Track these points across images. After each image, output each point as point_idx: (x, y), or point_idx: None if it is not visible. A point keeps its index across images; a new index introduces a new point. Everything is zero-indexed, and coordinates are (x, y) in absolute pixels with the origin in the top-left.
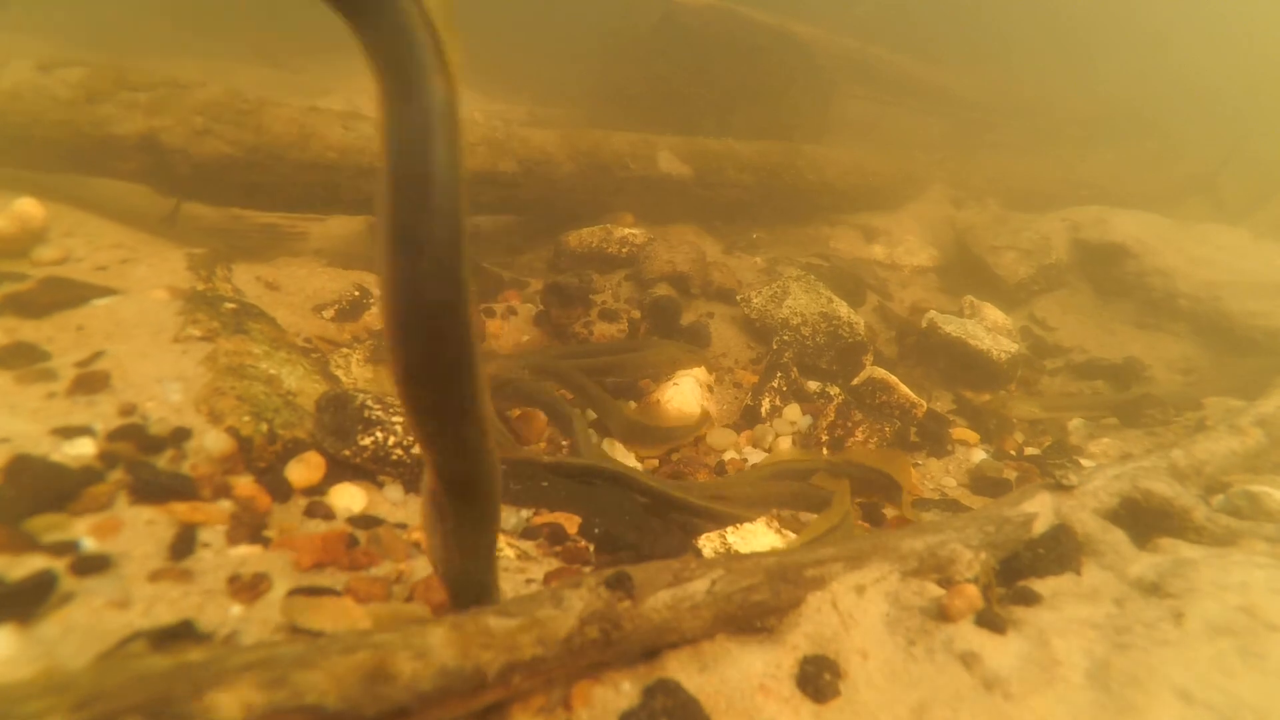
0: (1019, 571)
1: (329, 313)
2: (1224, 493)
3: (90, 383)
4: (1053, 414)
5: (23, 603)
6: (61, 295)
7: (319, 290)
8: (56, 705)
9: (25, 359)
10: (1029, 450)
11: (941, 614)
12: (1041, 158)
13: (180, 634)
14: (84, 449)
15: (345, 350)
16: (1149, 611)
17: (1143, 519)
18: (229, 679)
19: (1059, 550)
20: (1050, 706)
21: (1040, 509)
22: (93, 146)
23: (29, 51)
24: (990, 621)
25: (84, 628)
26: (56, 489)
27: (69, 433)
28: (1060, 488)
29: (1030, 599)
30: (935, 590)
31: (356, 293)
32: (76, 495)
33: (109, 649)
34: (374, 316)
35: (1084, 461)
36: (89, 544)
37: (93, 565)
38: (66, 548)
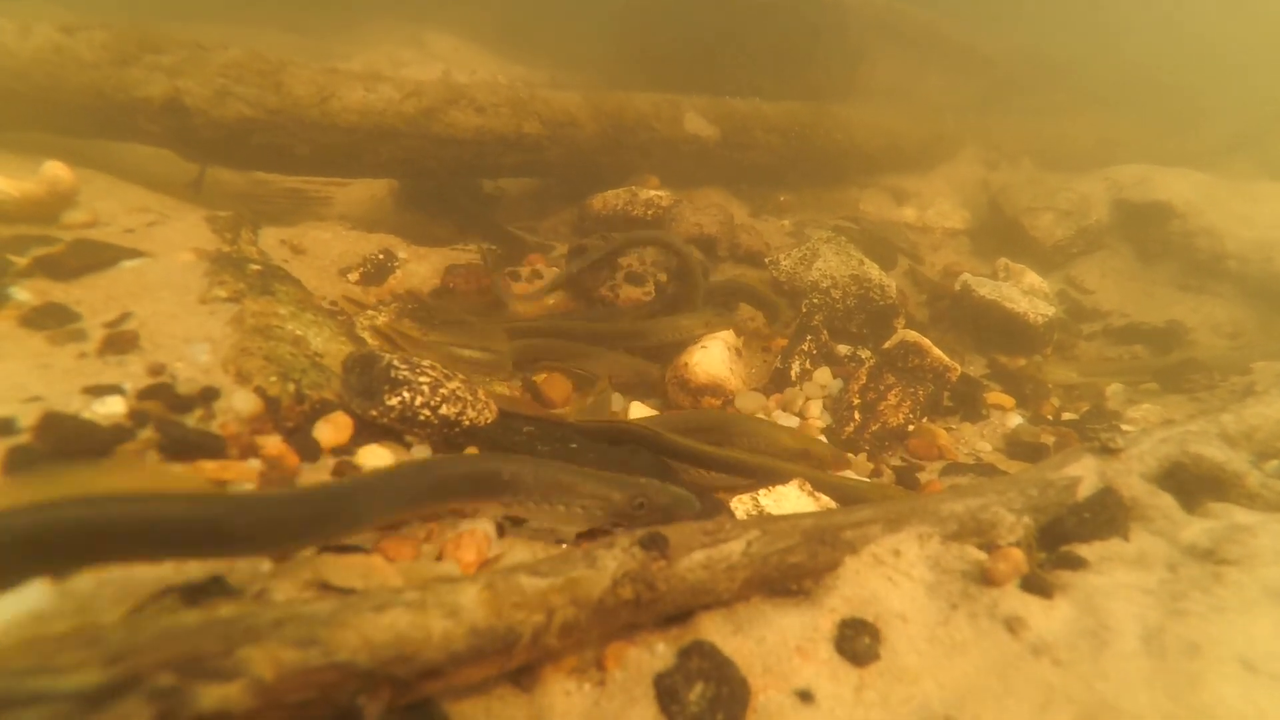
0: (1063, 536)
1: (354, 275)
2: (1278, 458)
3: (119, 343)
4: (1090, 379)
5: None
6: (90, 258)
7: (344, 253)
8: (89, 659)
9: (56, 320)
10: (1066, 415)
11: (985, 578)
12: (1075, 118)
13: (211, 590)
14: (114, 407)
15: (371, 312)
16: (1205, 578)
17: (1191, 484)
18: (260, 636)
19: (1105, 514)
20: (1103, 674)
21: (1084, 472)
22: (118, 109)
23: (52, 16)
24: (1037, 586)
25: (117, 582)
26: (88, 446)
27: (99, 391)
28: (1106, 451)
29: (1076, 564)
30: (977, 554)
31: (381, 256)
32: (108, 452)
33: (141, 604)
34: (398, 280)
35: (1124, 427)
36: None
37: None
38: None
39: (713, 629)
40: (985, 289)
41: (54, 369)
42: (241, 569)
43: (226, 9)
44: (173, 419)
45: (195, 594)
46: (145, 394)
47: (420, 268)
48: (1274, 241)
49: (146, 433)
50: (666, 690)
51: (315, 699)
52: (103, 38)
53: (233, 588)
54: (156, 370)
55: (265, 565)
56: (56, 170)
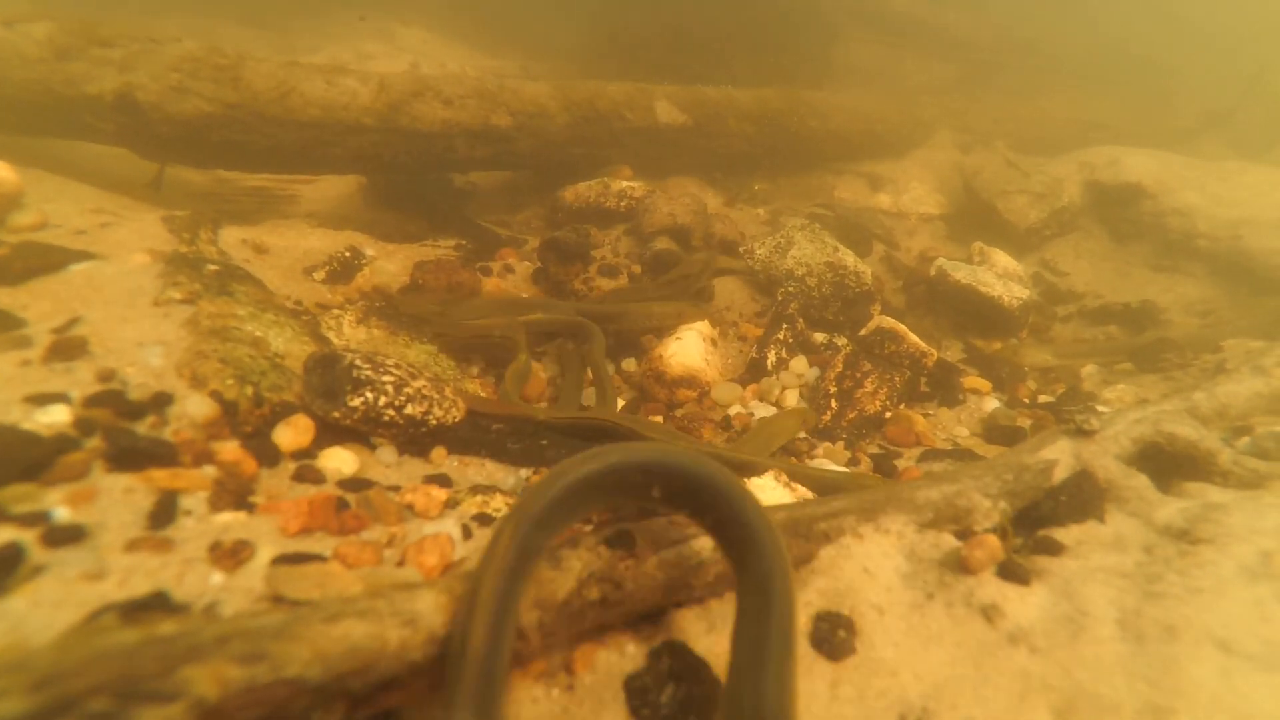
0: (1039, 520)
1: (320, 274)
2: (1249, 435)
3: (67, 349)
4: (1066, 361)
5: None
6: (38, 261)
7: (310, 252)
8: (14, 685)
9: None
10: (1042, 398)
11: (961, 566)
12: (1050, 99)
13: (153, 605)
14: (58, 416)
15: (337, 311)
16: (1180, 558)
17: (1166, 464)
18: (203, 653)
19: (1081, 497)
20: (1080, 661)
21: (1060, 455)
22: (66, 106)
23: None
24: (1013, 572)
25: (54, 601)
26: (27, 458)
27: (42, 400)
28: (1081, 433)
29: (1053, 549)
30: (953, 542)
31: (348, 254)
32: (49, 464)
33: (76, 624)
34: (365, 278)
35: (1099, 408)
36: (62, 514)
37: (66, 536)
38: (37, 519)
39: (685, 627)
40: (960, 273)
41: None
42: (190, 584)
43: (190, 2)
44: (121, 426)
45: (135, 611)
46: (93, 401)
47: (389, 265)
48: (1244, 219)
49: (93, 442)
50: (637, 692)
51: (265, 717)
52: (46, 30)
53: (176, 604)
54: (106, 376)
55: (215, 577)
56: None
